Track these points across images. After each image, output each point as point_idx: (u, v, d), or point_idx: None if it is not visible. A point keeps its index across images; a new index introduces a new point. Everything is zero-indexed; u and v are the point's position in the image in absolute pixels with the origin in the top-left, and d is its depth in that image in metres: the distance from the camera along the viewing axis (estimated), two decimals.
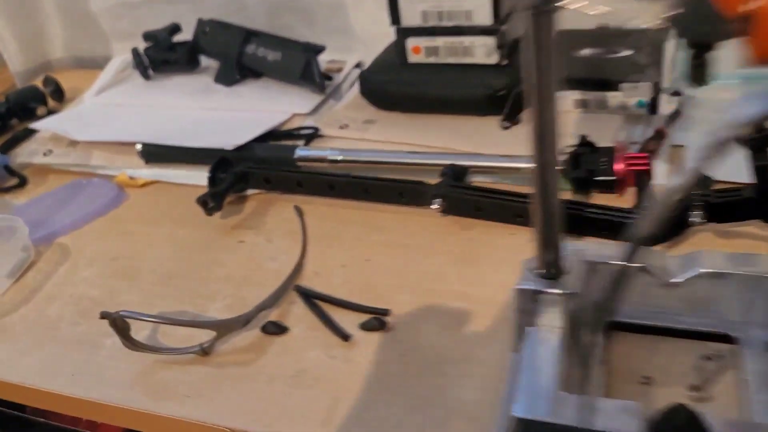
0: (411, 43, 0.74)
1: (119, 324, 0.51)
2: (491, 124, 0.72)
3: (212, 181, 0.68)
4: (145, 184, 0.76)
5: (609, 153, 0.60)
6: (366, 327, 0.52)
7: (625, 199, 0.60)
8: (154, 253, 0.65)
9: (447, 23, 0.71)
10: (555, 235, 0.41)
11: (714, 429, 0.36)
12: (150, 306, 0.58)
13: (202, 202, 0.65)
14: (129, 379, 0.52)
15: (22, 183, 0.79)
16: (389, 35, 0.82)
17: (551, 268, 0.42)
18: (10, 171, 0.81)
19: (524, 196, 0.59)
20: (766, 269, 0.43)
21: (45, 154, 0.81)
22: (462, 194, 0.60)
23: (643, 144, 0.65)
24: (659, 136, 0.66)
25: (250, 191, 0.71)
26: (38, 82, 0.97)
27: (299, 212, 0.66)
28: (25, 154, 0.82)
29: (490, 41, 0.71)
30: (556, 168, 0.39)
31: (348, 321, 0.53)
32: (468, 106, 0.73)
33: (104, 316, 0.50)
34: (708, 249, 0.48)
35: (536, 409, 0.39)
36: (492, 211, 0.59)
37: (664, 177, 0.62)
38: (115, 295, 0.60)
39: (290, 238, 0.64)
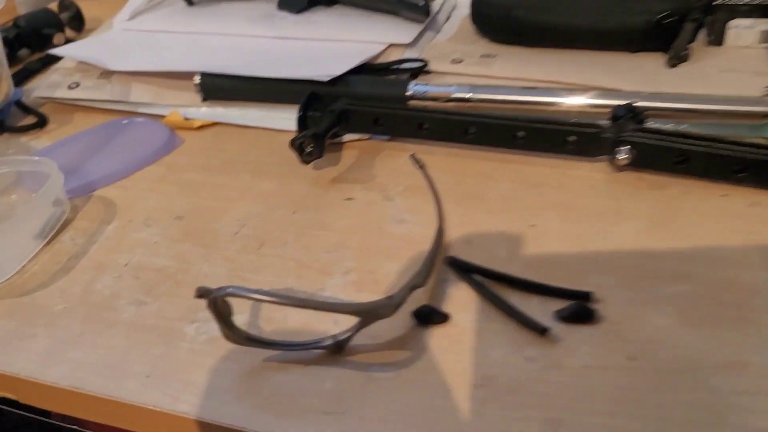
0: None
1: (221, 306, 0.36)
2: (650, 61, 0.57)
3: (302, 122, 0.52)
4: (202, 127, 0.60)
5: None
6: (566, 317, 0.37)
7: None
8: (232, 210, 0.49)
9: None
10: None
11: None
12: (241, 280, 0.43)
13: (299, 145, 0.49)
14: (233, 385, 0.36)
15: (42, 123, 0.62)
16: None
17: None
18: (25, 108, 0.64)
19: (752, 145, 0.44)
20: None
21: (71, 87, 0.64)
22: (660, 140, 0.45)
23: None
24: None
25: (347, 137, 0.55)
26: (53, 7, 0.79)
27: (419, 163, 0.51)
28: (43, 87, 0.65)
29: None
30: None
31: (534, 308, 0.38)
32: (620, 39, 0.57)
33: (202, 293, 0.35)
34: None
35: None
36: (702, 163, 0.44)
37: None
38: (189, 266, 0.44)
39: (414, 196, 0.48)
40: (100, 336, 0.40)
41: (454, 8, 0.71)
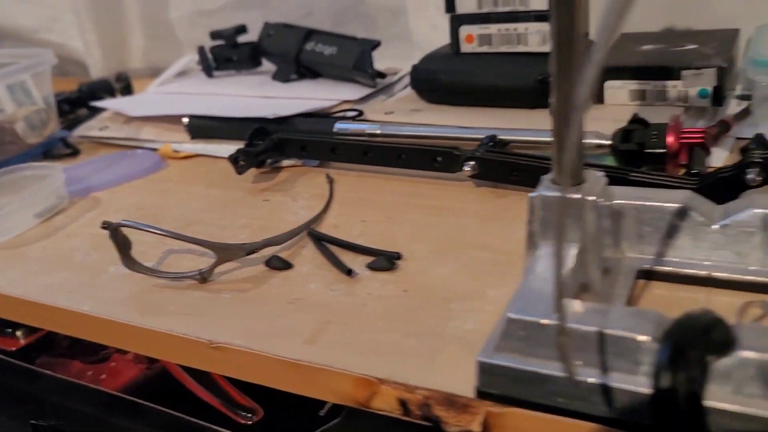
0: (464, 31, 0.73)
1: (120, 238, 0.50)
2: (542, 115, 0.69)
3: (248, 147, 0.68)
4: (187, 157, 0.76)
5: (661, 128, 0.56)
6: (373, 266, 0.49)
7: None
8: (181, 205, 0.64)
9: (502, 8, 0.70)
10: (576, 135, 0.36)
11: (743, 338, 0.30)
12: (162, 245, 0.56)
13: (234, 158, 0.64)
14: (124, 298, 0.49)
15: (74, 153, 0.81)
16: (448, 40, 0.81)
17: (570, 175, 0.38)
18: (66, 144, 0.82)
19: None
20: None
21: (101, 129, 0.82)
22: (497, 156, 0.56)
23: (705, 128, 0.60)
24: (724, 126, 0.61)
25: (285, 163, 0.69)
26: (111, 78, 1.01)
27: (330, 179, 0.64)
28: (81, 129, 0.84)
29: (544, 27, 0.69)
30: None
31: (357, 263, 0.50)
32: (518, 95, 0.70)
33: (105, 226, 0.49)
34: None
35: (533, 310, 0.34)
36: (529, 175, 0.55)
37: (721, 161, 0.57)
38: (130, 234, 0.59)
39: (318, 200, 0.61)
40: (54, 272, 0.55)
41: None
